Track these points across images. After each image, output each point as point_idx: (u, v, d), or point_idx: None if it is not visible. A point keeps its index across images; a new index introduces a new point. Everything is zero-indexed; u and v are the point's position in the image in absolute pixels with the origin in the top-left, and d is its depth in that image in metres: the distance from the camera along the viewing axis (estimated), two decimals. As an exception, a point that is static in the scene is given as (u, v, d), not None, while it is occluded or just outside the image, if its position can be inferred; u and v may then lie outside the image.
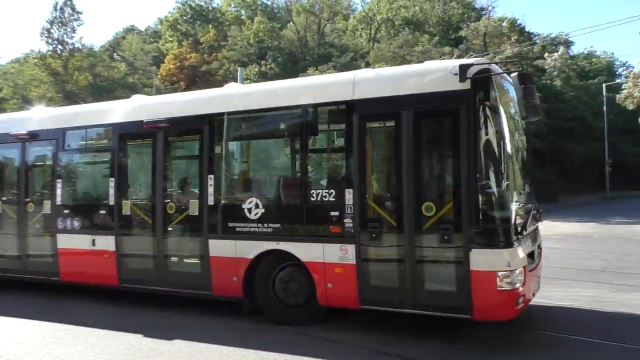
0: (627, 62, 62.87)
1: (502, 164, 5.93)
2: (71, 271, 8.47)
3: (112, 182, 8.09)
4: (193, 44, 49.82)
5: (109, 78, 39.57)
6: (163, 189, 7.83)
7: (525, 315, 6.38)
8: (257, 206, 6.88)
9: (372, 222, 6.18)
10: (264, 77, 41.72)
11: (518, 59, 45.26)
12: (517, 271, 5.67)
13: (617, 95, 36.20)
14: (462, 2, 55.86)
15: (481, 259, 5.62)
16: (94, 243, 8.15)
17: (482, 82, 5.78)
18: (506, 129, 6.06)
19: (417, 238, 5.95)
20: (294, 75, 42.51)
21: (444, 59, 39.29)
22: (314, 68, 41.22)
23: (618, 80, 44.20)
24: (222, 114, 7.36)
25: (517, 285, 5.66)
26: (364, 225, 6.21)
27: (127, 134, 8.16)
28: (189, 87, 45.09)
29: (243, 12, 56.26)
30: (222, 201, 7.31)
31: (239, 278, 6.94)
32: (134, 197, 8.24)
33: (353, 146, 6.34)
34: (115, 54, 51.25)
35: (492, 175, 5.83)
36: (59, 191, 8.62)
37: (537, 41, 48.81)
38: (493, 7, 57.17)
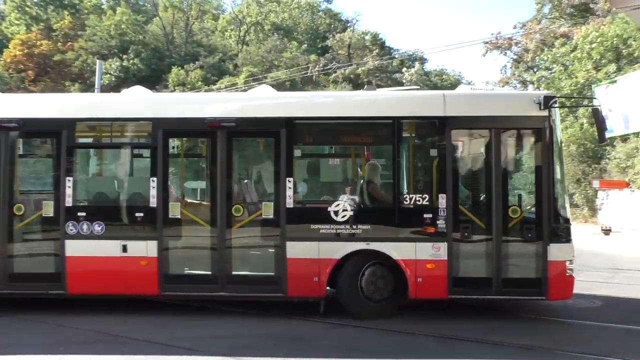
0: (471, 81, 69.74)
1: (564, 175, 7.60)
2: (85, 282, 7.33)
3: (153, 183, 7.27)
4: (45, 30, 45.48)
5: None
6: (228, 191, 7.43)
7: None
8: (344, 209, 7.17)
9: (463, 223, 7.13)
10: (125, 71, 39.52)
11: (379, 71, 48.10)
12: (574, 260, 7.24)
13: (463, 111, 40.01)
14: (329, 12, 57.93)
15: (556, 252, 7.07)
16: (125, 249, 7.22)
17: (555, 110, 7.25)
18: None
19: (503, 236, 7.13)
20: (160, 72, 41.01)
21: (310, 66, 40.42)
22: (180, 67, 40.01)
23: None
24: (306, 118, 7.47)
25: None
26: (455, 226, 7.10)
27: (176, 130, 7.57)
28: (39, 77, 41.19)
29: (104, 0, 52.71)
30: (303, 204, 7.57)
31: (321, 278, 7.13)
32: (187, 199, 7.82)
33: (446, 156, 7.19)
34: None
35: (560, 184, 7.37)
36: (69, 191, 7.36)
37: (396, 56, 52.17)
38: (357, 20, 59.98)
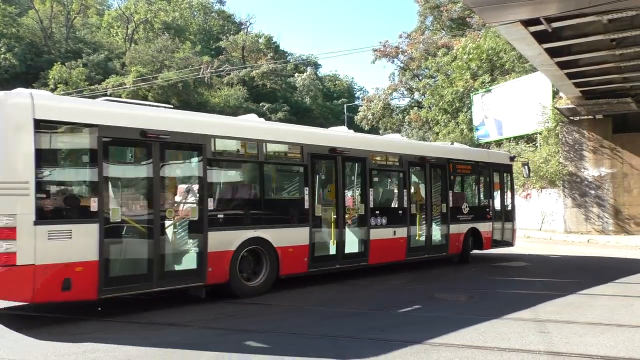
0: (363, 87, 72.25)
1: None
2: (376, 256, 11.12)
3: (405, 192, 11.94)
4: None
5: None
6: (431, 198, 12.51)
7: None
8: (465, 207, 13.49)
9: (495, 213, 14.32)
10: (-4, 67, 36.17)
11: (274, 74, 48.27)
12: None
13: (355, 116, 41.43)
14: (223, 14, 57.23)
15: (514, 225, 15.06)
16: (394, 233, 11.53)
17: (512, 162, 15.48)
18: None
19: (503, 219, 14.53)
20: (37, 69, 37.94)
21: (202, 67, 39.66)
22: (61, 63, 37.43)
23: (357, 102, 50.49)
24: (448, 159, 13.13)
25: None
26: (493, 214, 14.24)
27: (412, 162, 12.18)
28: None
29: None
30: (454, 204, 13.17)
31: (459, 243, 13.14)
32: (415, 203, 12.28)
33: (490, 182, 14.32)
34: None
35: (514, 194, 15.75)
36: (370, 198, 11.18)
37: (290, 60, 52.71)
38: (250, 23, 59.71)
